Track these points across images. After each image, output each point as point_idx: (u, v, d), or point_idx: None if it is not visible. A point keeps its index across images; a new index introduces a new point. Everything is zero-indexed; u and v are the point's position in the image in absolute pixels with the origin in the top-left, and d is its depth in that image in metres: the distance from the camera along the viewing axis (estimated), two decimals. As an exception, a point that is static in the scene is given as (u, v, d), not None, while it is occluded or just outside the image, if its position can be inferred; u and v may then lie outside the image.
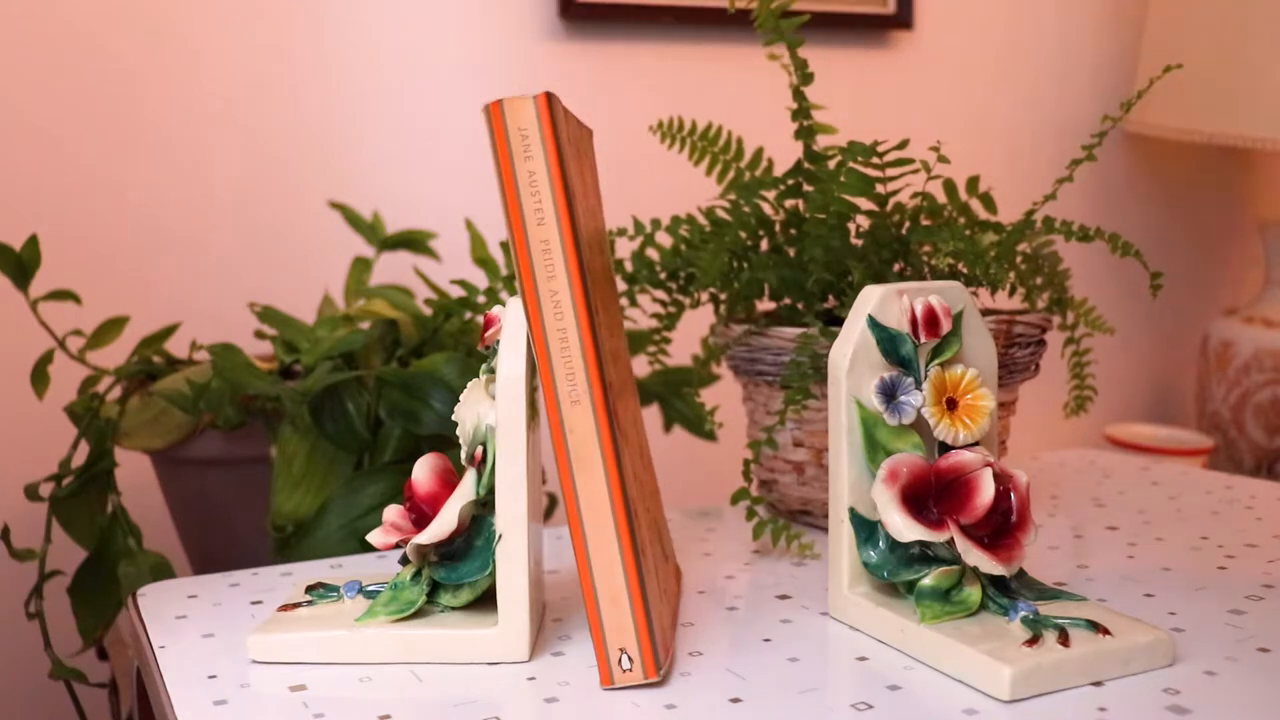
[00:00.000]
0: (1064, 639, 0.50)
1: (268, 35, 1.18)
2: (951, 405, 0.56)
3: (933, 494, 0.55)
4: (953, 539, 0.53)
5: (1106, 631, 0.51)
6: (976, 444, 0.56)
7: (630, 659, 0.51)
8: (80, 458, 0.86)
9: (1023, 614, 0.52)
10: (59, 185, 1.11)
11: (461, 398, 0.57)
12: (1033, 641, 0.50)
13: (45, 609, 0.85)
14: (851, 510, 0.56)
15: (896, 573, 0.55)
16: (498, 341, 0.55)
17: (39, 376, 0.86)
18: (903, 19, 1.43)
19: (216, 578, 0.69)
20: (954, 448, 0.55)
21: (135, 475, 0.97)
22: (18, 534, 0.87)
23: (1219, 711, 0.48)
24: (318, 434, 0.83)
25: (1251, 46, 1.40)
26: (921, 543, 0.54)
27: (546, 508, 1.00)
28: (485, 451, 0.55)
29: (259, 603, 0.64)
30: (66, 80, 1.11)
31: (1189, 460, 1.48)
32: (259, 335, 0.97)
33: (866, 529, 0.56)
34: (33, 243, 0.85)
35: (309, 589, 0.60)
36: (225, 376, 0.83)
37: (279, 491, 0.81)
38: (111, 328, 0.91)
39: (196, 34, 1.15)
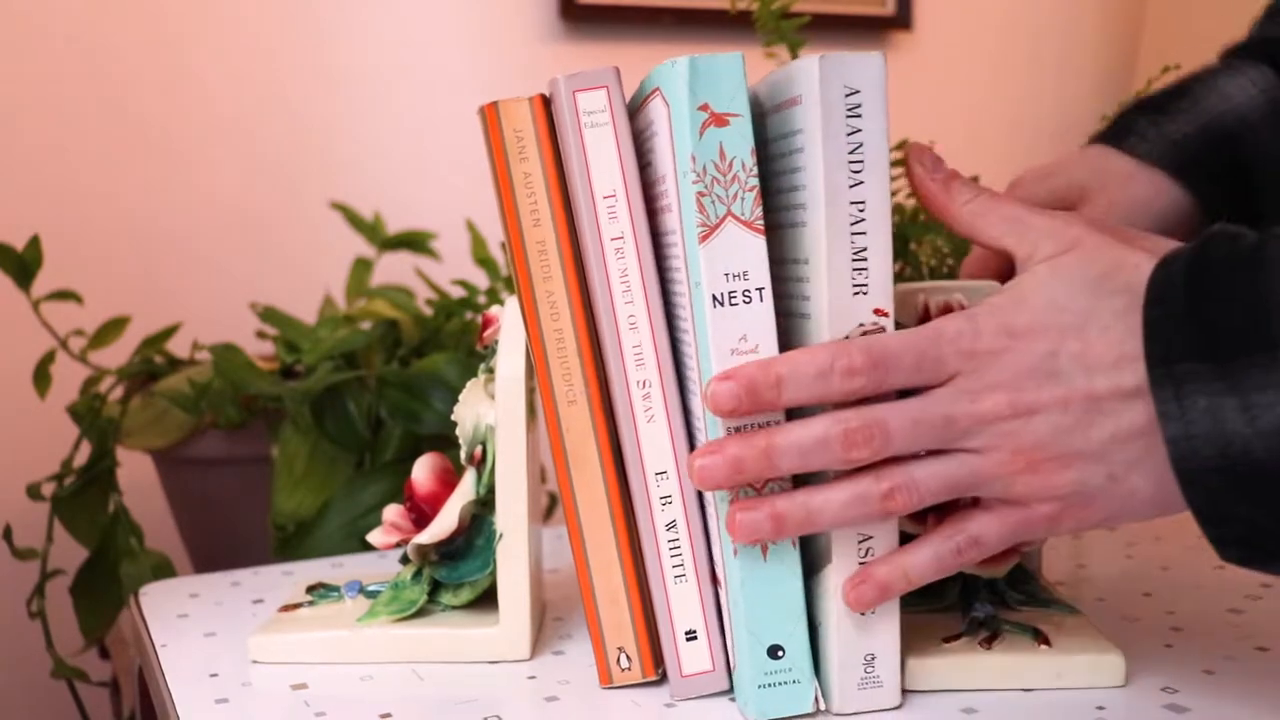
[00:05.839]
0: (987, 642, 0.51)
1: (269, 36, 1.18)
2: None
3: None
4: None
5: (1046, 642, 0.51)
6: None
7: (629, 658, 0.51)
8: (82, 457, 0.86)
9: (974, 613, 0.53)
10: (61, 186, 1.12)
11: (461, 397, 0.57)
12: (954, 638, 0.51)
13: (47, 608, 0.85)
14: None
15: None
16: (496, 341, 0.55)
17: (41, 376, 0.86)
18: (902, 20, 1.43)
19: (218, 577, 0.69)
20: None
21: (137, 475, 0.98)
22: (20, 533, 0.87)
23: (1217, 710, 0.48)
24: (319, 434, 0.83)
25: (1251, 46, 1.40)
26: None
27: (546, 507, 1.00)
28: (485, 451, 0.55)
29: (260, 601, 0.65)
30: (67, 81, 1.11)
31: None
32: (260, 335, 0.97)
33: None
34: (35, 243, 0.85)
35: (310, 589, 0.60)
36: (227, 376, 0.83)
37: (280, 491, 0.81)
38: (113, 328, 0.91)
39: (197, 35, 1.16)
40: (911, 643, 0.51)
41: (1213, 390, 0.38)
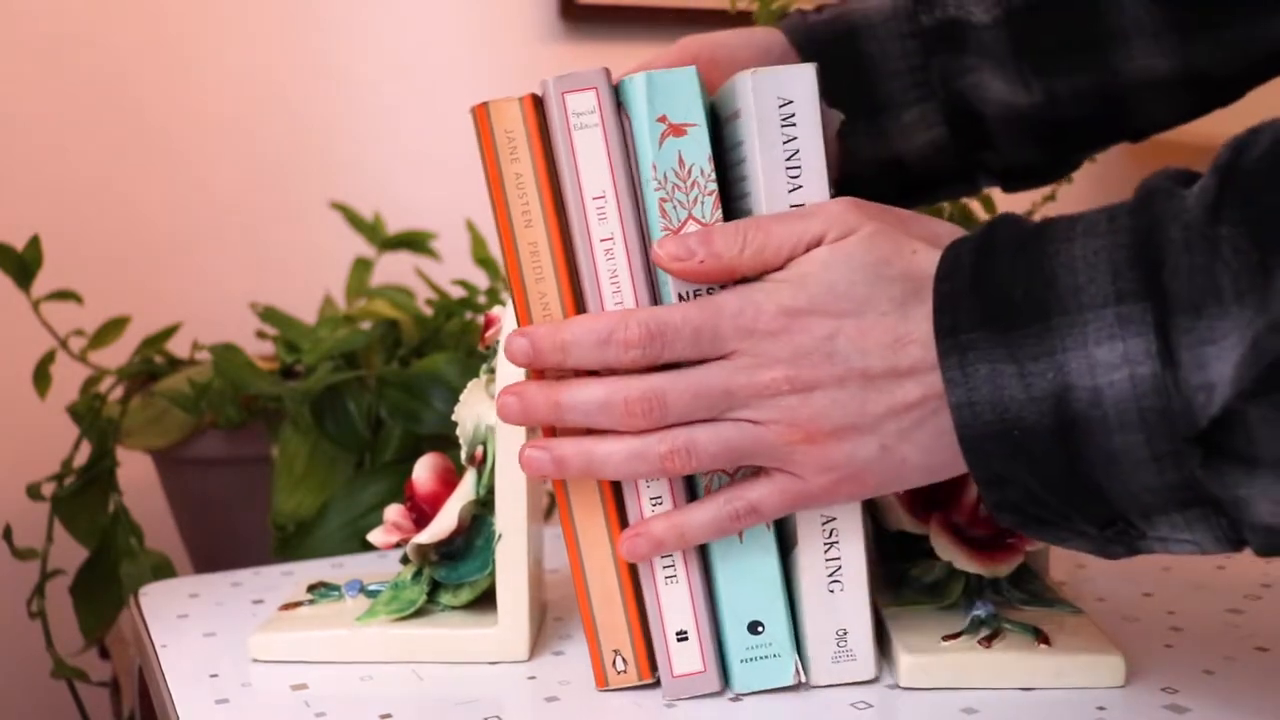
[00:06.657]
0: (988, 641, 0.51)
1: (268, 36, 1.18)
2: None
3: (931, 489, 0.55)
4: (929, 534, 0.54)
5: (1046, 641, 0.51)
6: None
7: (625, 660, 0.51)
8: (82, 457, 0.86)
9: (975, 612, 0.53)
10: (61, 186, 1.12)
11: (461, 398, 0.57)
12: (954, 637, 0.52)
13: (47, 608, 0.85)
14: None
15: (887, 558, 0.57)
16: (498, 342, 0.55)
17: (41, 376, 0.86)
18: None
19: (218, 577, 0.69)
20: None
21: (137, 475, 0.98)
22: (20, 533, 0.87)
23: (1217, 710, 0.48)
24: (319, 434, 0.83)
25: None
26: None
27: (547, 507, 1.00)
28: (485, 451, 0.55)
29: (260, 602, 0.65)
30: (67, 81, 1.11)
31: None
32: (260, 335, 0.97)
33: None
34: (35, 243, 0.85)
35: (310, 588, 0.60)
36: (227, 376, 0.83)
37: (280, 491, 0.81)
38: (113, 328, 0.91)
39: (197, 34, 1.16)
40: (912, 641, 0.51)
41: (993, 358, 0.41)
